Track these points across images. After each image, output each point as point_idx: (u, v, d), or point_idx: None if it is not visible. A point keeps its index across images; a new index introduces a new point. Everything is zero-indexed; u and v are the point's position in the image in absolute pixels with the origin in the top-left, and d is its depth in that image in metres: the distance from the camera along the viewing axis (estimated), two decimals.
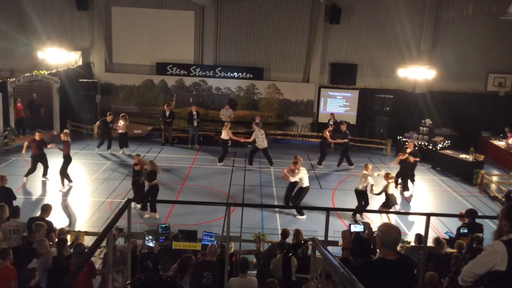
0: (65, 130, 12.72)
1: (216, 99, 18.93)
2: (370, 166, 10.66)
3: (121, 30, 18.81)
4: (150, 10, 18.58)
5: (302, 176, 10.58)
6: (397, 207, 10.80)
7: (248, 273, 6.06)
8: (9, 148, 15.24)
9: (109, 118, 15.32)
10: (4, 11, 18.16)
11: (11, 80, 16.03)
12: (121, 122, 15.14)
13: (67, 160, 11.91)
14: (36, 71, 16.66)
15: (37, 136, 12.05)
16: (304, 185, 10.65)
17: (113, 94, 18.98)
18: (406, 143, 14.09)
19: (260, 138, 14.23)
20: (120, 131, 15.15)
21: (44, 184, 12.18)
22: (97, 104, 18.58)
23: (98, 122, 15.50)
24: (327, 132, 14.91)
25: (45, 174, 12.32)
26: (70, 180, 12.03)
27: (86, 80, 18.16)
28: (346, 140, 14.73)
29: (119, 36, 18.88)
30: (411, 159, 12.57)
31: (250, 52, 18.99)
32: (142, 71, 19.11)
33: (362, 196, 10.63)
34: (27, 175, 12.01)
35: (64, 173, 11.87)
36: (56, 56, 17.50)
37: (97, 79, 18.77)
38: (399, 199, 11.14)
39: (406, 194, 12.59)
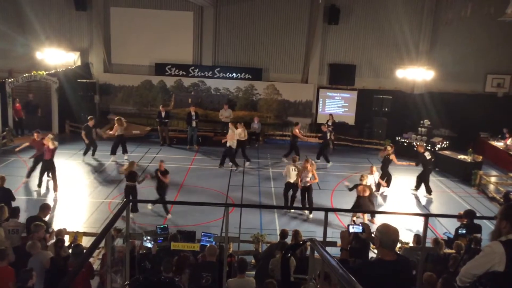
0: (49, 135, 11.94)
1: (215, 100, 18.93)
2: (374, 168, 11.41)
3: (119, 30, 18.79)
4: (148, 11, 18.56)
5: (286, 171, 11.31)
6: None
7: (246, 274, 6.06)
8: (7, 148, 15.21)
9: (90, 123, 14.61)
10: (3, 11, 18.14)
11: (10, 80, 16.01)
12: (119, 128, 14.57)
13: (49, 165, 11.61)
14: (34, 72, 16.62)
15: (36, 137, 12.01)
16: (288, 181, 11.20)
17: (111, 94, 18.96)
18: (388, 146, 13.38)
19: (242, 135, 14.78)
20: (116, 133, 14.80)
21: (43, 184, 12.09)
22: (95, 104, 18.55)
23: (82, 132, 14.89)
24: (297, 130, 15.56)
25: (48, 174, 12.21)
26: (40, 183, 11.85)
27: (84, 80, 18.10)
28: (322, 140, 15.89)
29: (118, 37, 18.86)
30: (390, 155, 12.61)
31: (249, 53, 18.98)
32: (141, 71, 19.09)
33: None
34: (28, 175, 12.00)
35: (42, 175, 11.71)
36: (55, 57, 17.42)
37: (96, 79, 18.74)
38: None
39: (380, 191, 12.67)
